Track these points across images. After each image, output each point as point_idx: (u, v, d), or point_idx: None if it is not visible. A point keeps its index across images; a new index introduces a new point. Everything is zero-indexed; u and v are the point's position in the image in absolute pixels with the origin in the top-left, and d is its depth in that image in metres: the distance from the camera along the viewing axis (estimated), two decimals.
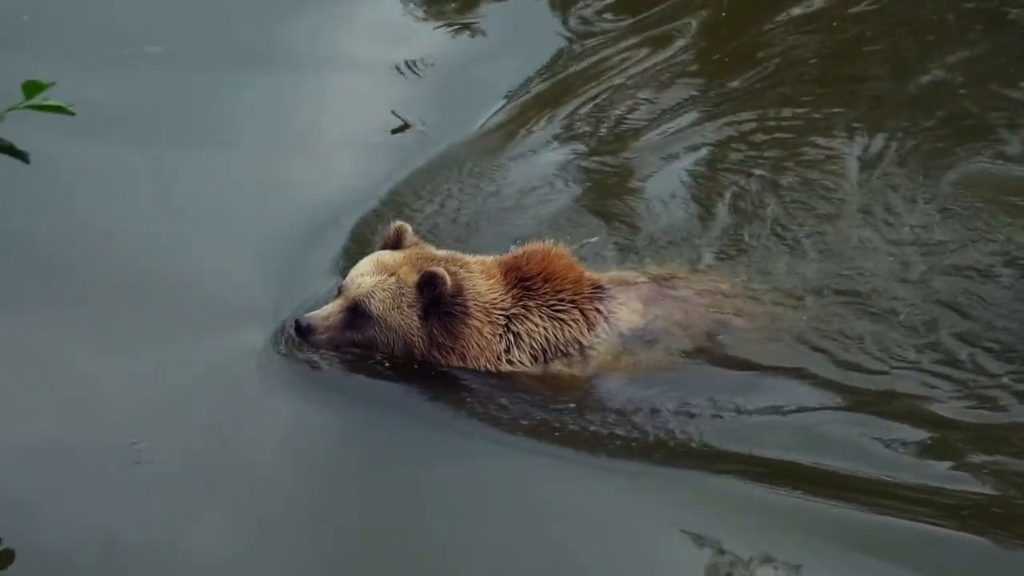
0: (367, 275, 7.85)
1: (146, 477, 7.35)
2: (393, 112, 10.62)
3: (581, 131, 10.49)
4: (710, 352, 8.06)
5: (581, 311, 7.99)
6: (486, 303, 7.91)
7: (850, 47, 11.39)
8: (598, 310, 8.02)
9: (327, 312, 7.86)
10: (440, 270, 7.75)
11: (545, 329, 7.93)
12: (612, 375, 7.96)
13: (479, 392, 7.86)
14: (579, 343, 7.96)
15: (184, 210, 9.44)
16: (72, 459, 7.41)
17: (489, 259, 8.13)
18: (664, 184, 9.75)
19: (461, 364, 7.87)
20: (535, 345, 7.93)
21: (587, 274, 8.15)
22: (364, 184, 9.72)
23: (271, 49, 11.23)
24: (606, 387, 7.91)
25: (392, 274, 7.82)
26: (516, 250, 8.22)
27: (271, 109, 10.66)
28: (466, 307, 7.84)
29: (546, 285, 7.98)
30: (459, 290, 7.83)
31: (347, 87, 11.04)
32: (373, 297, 7.79)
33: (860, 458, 7.52)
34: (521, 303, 7.95)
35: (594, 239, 9.06)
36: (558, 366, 7.96)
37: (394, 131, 10.46)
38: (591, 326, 7.97)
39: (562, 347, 7.95)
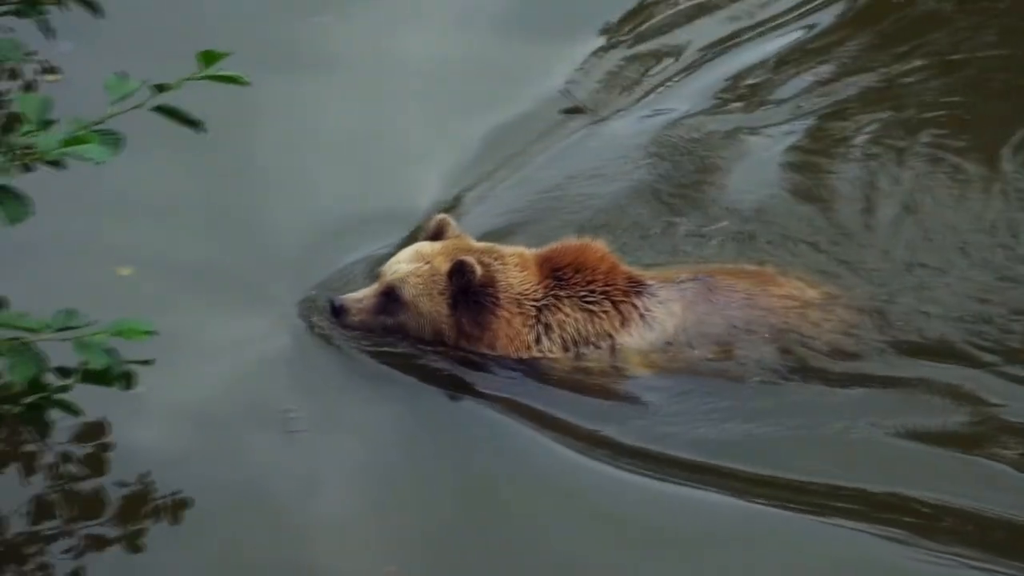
0: (403, 262, 8.00)
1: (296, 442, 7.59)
2: (565, 95, 10.57)
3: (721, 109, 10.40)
4: (749, 359, 7.97)
5: (613, 303, 8.01)
6: (517, 294, 7.99)
7: None
8: (633, 305, 8.01)
9: (361, 295, 8.04)
10: (469, 259, 7.87)
11: (576, 320, 7.99)
12: (641, 372, 7.97)
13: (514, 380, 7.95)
14: (610, 336, 7.99)
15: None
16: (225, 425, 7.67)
17: (528, 251, 8.19)
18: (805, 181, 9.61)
19: (490, 351, 7.98)
20: (565, 336, 7.98)
21: (623, 268, 8.14)
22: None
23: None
24: (631, 385, 7.94)
25: (427, 262, 7.95)
26: (554, 244, 8.24)
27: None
28: (496, 298, 7.92)
29: (577, 275, 8.02)
30: (490, 280, 7.91)
31: None
32: (406, 283, 7.92)
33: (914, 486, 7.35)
34: (552, 294, 8.00)
35: (723, 224, 9.01)
36: (588, 358, 8.00)
37: (566, 111, 10.41)
38: (624, 321, 7.99)
39: (592, 339, 8.00)
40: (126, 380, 5.54)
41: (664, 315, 7.95)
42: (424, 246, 8.06)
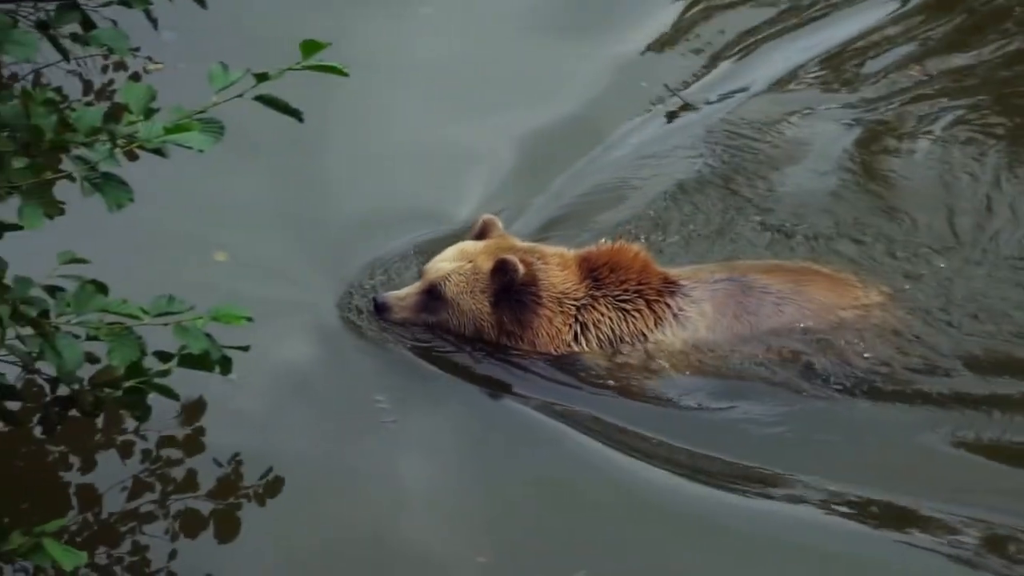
0: (447, 261, 8.10)
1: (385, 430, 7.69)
2: (666, 86, 10.57)
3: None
4: (782, 362, 8.00)
5: (647, 302, 8.06)
6: (559, 293, 8.06)
7: None
8: (667, 305, 8.06)
9: (404, 292, 8.15)
10: (512, 258, 7.95)
11: (610, 319, 8.05)
12: (676, 372, 7.99)
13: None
14: (644, 336, 8.04)
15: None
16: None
17: (568, 252, 8.24)
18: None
19: (530, 349, 8.06)
20: (601, 336, 8.04)
21: (656, 268, 8.18)
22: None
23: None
24: (666, 385, 7.97)
25: (470, 261, 8.05)
26: (592, 246, 8.30)
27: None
28: (539, 297, 8.00)
29: (612, 275, 8.09)
30: (533, 279, 7.99)
31: None
32: (448, 281, 8.02)
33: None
34: (590, 293, 8.07)
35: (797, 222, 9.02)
36: (625, 356, 8.03)
37: (681, 108, 10.44)
38: (658, 320, 8.04)
39: (627, 338, 8.05)
40: (224, 365, 5.61)
41: (696, 315, 8.00)
42: (467, 245, 8.17)
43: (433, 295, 8.04)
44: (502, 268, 7.92)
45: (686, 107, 10.35)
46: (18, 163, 5.11)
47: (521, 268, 7.92)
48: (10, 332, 5.31)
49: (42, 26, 6.04)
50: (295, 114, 5.38)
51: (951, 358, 7.97)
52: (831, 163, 9.58)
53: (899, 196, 9.27)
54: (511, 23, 11.03)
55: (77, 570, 5.73)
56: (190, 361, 5.58)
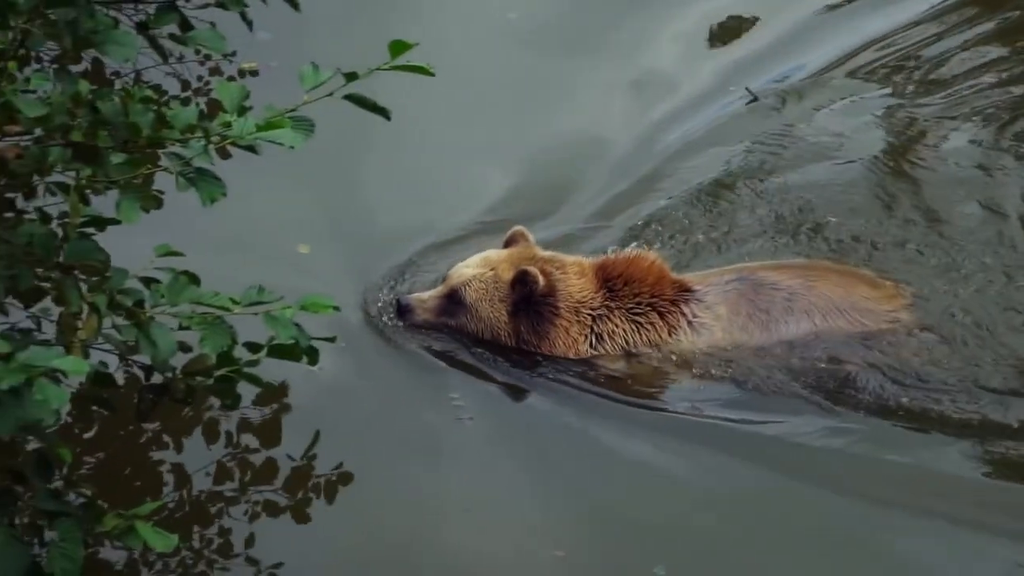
0: (470, 267, 8.22)
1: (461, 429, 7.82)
2: (747, 89, 10.61)
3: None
4: (792, 360, 8.08)
5: (659, 313, 8.13)
6: (576, 302, 8.15)
7: None
8: (681, 312, 8.12)
9: (427, 296, 8.26)
10: (533, 269, 8.04)
11: (624, 331, 8.14)
12: (691, 377, 8.09)
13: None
14: (658, 347, 8.12)
15: None
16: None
17: (586, 261, 8.31)
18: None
19: (549, 353, 8.16)
20: (615, 347, 8.14)
21: (670, 277, 8.23)
22: None
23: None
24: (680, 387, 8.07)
25: (492, 269, 8.16)
26: (608, 255, 8.38)
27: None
28: (556, 307, 8.11)
29: (626, 288, 8.17)
30: (551, 290, 8.09)
31: None
32: (469, 287, 8.15)
33: None
34: (605, 304, 8.14)
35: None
36: (644, 365, 8.12)
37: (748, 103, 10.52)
38: (671, 329, 8.12)
39: (642, 349, 8.12)
40: (311, 356, 5.76)
41: (711, 319, 8.06)
42: (491, 253, 8.30)
43: (453, 299, 8.17)
44: (522, 279, 8.04)
45: (754, 100, 10.38)
46: (116, 159, 5.25)
47: (541, 280, 8.02)
48: (107, 321, 5.48)
49: (142, 27, 6.21)
50: (383, 112, 5.48)
51: (966, 357, 8.04)
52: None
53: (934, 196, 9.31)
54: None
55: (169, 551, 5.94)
56: (279, 351, 5.72)
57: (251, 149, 5.29)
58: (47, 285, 5.54)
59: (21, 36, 4.99)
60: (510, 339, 8.15)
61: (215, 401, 7.05)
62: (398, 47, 5.31)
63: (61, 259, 5.41)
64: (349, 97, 5.42)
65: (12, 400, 4.69)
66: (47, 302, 5.78)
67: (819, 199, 9.29)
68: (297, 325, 5.60)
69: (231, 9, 6.20)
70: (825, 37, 11.16)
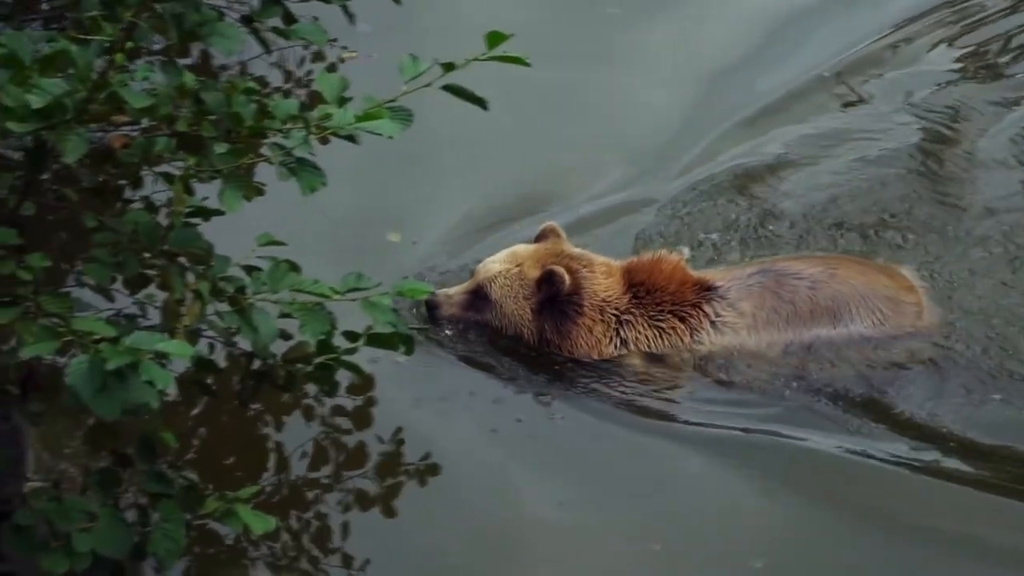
0: (497, 263, 8.13)
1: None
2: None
3: None
4: (818, 353, 8.03)
5: (681, 318, 8.05)
6: (601, 301, 8.06)
7: None
8: (704, 313, 8.05)
9: (454, 291, 8.17)
10: (559, 269, 7.95)
11: (647, 337, 8.07)
12: (713, 375, 8.05)
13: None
14: (680, 352, 8.07)
15: None
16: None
17: (614, 262, 8.23)
18: None
19: (569, 354, 8.09)
20: (638, 350, 8.08)
21: (692, 278, 8.14)
22: None
23: None
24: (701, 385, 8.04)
25: (519, 265, 8.07)
26: (633, 257, 8.31)
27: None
28: (580, 306, 8.01)
29: (648, 297, 8.10)
30: (576, 288, 8.00)
31: None
32: (495, 283, 8.06)
33: None
34: (630, 310, 8.07)
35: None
36: (665, 365, 8.09)
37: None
38: (694, 331, 8.05)
39: (666, 355, 8.07)
40: (408, 344, 5.83)
41: (735, 317, 8.00)
42: (520, 248, 8.23)
43: (479, 295, 8.09)
44: (549, 279, 7.96)
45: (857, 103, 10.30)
46: (220, 149, 5.31)
47: (567, 280, 7.94)
48: (210, 308, 5.57)
49: (246, 20, 6.32)
50: (480, 102, 5.52)
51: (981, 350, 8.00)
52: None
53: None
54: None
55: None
56: (377, 340, 5.79)
57: (350, 138, 5.34)
58: (152, 272, 5.63)
59: (128, 29, 5.07)
60: (532, 337, 8.08)
61: (313, 387, 7.12)
62: (495, 38, 5.33)
63: (166, 247, 5.51)
64: (447, 87, 5.45)
65: (118, 383, 4.79)
66: (152, 289, 5.88)
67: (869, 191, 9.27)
68: (395, 311, 5.68)
69: (333, 2, 6.31)
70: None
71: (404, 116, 5.36)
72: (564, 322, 8.02)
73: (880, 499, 7.34)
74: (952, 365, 7.95)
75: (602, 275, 8.09)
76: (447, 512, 7.24)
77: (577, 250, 8.23)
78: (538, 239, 8.27)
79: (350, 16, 6.50)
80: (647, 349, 8.06)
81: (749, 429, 7.72)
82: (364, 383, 7.57)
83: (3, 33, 4.99)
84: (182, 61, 6.31)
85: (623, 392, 7.95)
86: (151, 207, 5.74)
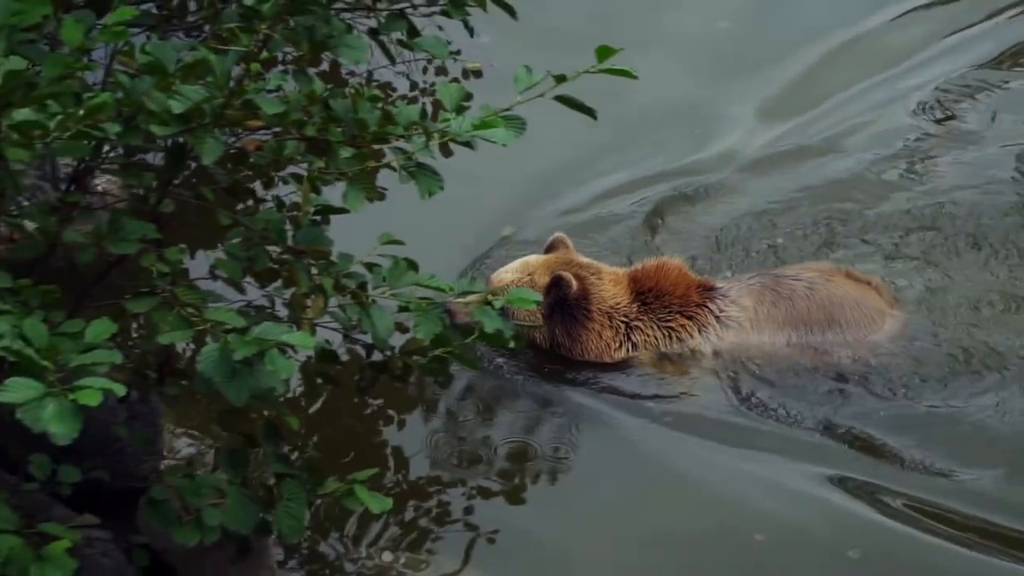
0: (509, 272, 8.14)
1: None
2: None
3: None
4: (817, 347, 8.10)
5: (688, 317, 8.12)
6: (609, 308, 8.11)
7: None
8: (709, 310, 8.12)
9: (468, 300, 7.93)
10: (566, 274, 8.00)
11: (657, 339, 8.12)
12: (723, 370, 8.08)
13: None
14: (691, 349, 8.11)
15: None
16: None
17: (621, 270, 8.28)
18: None
19: (580, 358, 8.12)
20: (648, 352, 8.12)
21: (695, 280, 8.23)
22: None
23: None
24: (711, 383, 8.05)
25: (529, 274, 8.08)
26: (637, 264, 8.34)
27: None
28: (589, 311, 8.04)
29: (656, 301, 8.15)
30: (584, 294, 8.03)
31: None
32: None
33: None
34: (639, 316, 8.11)
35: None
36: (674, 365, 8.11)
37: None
38: (701, 328, 8.11)
39: (676, 354, 8.11)
40: (518, 342, 5.95)
41: (738, 312, 8.06)
42: (531, 258, 8.26)
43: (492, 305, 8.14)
44: (556, 283, 7.99)
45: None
46: (345, 153, 5.44)
47: (574, 284, 7.99)
48: (333, 301, 5.72)
49: (373, 32, 6.48)
50: (590, 112, 5.63)
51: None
52: None
53: None
54: None
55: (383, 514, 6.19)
56: (488, 337, 5.93)
57: (467, 145, 5.44)
58: (280, 267, 5.75)
59: (263, 40, 5.23)
60: (545, 342, 8.12)
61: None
62: (604, 52, 5.40)
63: (293, 243, 5.66)
64: (559, 98, 5.55)
65: (246, 370, 4.91)
66: (280, 283, 5.98)
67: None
68: (503, 315, 5.85)
69: (454, 17, 6.44)
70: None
71: (518, 124, 5.47)
72: (574, 327, 8.09)
73: None
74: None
75: (610, 283, 8.18)
76: (559, 502, 7.38)
77: (586, 259, 8.31)
78: (548, 250, 8.32)
79: (470, 30, 6.64)
80: (657, 350, 8.13)
81: (829, 424, 7.79)
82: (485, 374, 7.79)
83: (149, 43, 5.14)
84: (312, 70, 6.46)
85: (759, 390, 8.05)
86: (280, 206, 5.89)
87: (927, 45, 10.79)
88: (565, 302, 8.11)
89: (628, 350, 8.15)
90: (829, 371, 8.00)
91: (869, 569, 7.02)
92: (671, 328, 8.14)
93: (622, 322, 8.16)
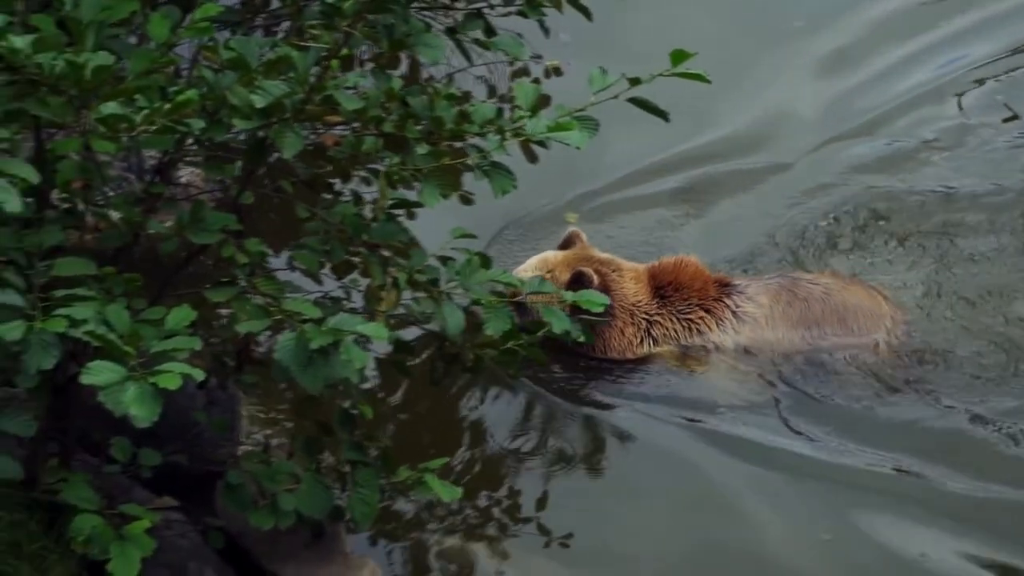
0: (529, 270, 8.03)
1: None
2: None
3: None
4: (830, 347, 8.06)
5: (707, 310, 8.08)
6: (631, 304, 8.06)
7: None
8: (726, 305, 8.08)
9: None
10: (588, 269, 7.91)
11: (676, 331, 8.06)
12: (738, 363, 8.06)
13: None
14: (711, 342, 8.07)
15: None
16: None
17: (640, 265, 8.21)
18: None
19: (601, 356, 8.06)
20: (668, 346, 8.07)
21: (714, 276, 8.21)
22: None
23: None
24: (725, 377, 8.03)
25: (550, 271, 7.98)
26: (655, 260, 8.30)
27: None
28: (611, 308, 7.83)
29: (676, 294, 8.10)
30: (606, 290, 7.84)
31: None
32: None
33: None
34: (658, 311, 8.04)
35: None
36: (697, 359, 8.09)
37: None
38: (719, 321, 8.06)
39: (696, 346, 8.07)
40: (587, 336, 5.96)
41: (753, 308, 8.02)
42: (549, 255, 8.20)
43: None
44: (578, 279, 7.85)
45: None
46: (421, 150, 5.46)
47: (596, 279, 7.88)
48: (407, 294, 5.75)
49: (451, 32, 6.50)
50: (662, 115, 5.63)
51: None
52: None
53: None
54: None
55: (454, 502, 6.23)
56: (556, 335, 5.97)
57: (541, 144, 5.46)
58: (356, 260, 5.79)
59: (344, 37, 5.26)
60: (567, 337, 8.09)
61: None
62: (678, 56, 5.38)
63: (368, 238, 5.70)
64: (632, 100, 5.53)
65: (321, 360, 4.96)
66: (355, 275, 6.03)
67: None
68: (568, 315, 5.89)
69: (531, 17, 6.44)
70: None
71: (591, 125, 5.46)
72: (596, 324, 7.95)
73: None
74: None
75: (631, 279, 8.14)
76: (647, 500, 7.41)
77: (605, 255, 8.27)
78: (564, 246, 8.27)
79: (546, 31, 6.64)
80: (677, 343, 8.09)
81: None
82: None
83: (233, 39, 5.20)
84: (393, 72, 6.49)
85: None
86: (358, 200, 5.93)
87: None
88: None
89: (649, 345, 8.12)
90: (839, 371, 7.99)
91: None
92: (690, 321, 8.12)
93: (644, 319, 8.14)
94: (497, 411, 7.74)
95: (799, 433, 7.70)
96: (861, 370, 7.97)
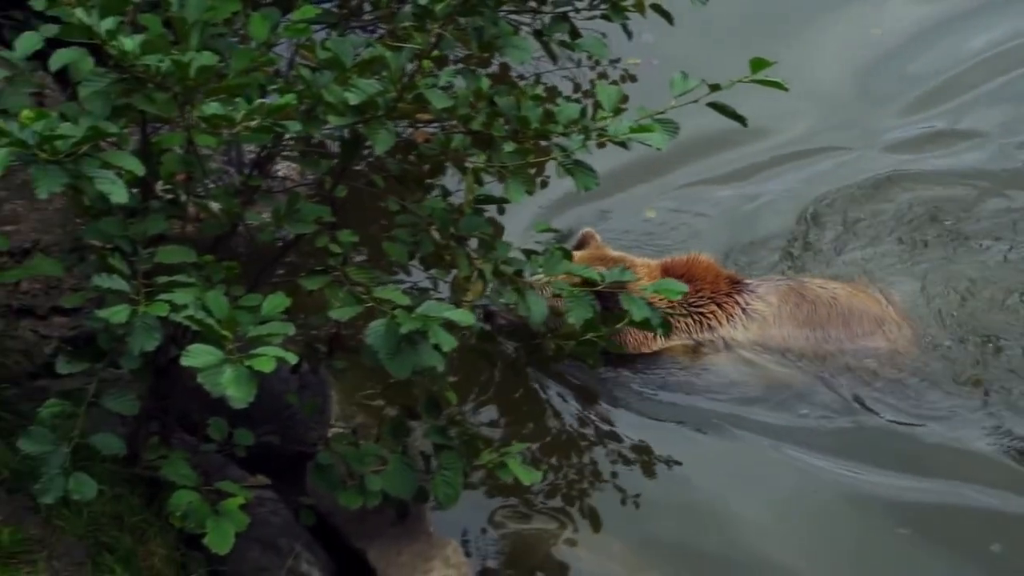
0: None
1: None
2: None
3: None
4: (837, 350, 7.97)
5: (718, 304, 8.03)
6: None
7: None
8: (736, 302, 8.04)
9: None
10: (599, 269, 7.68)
11: (688, 324, 8.01)
12: (749, 358, 7.97)
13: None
14: (720, 337, 8.01)
15: None
16: None
17: (652, 261, 8.12)
18: None
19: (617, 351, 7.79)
20: (681, 341, 8.01)
21: (725, 273, 8.16)
22: None
23: None
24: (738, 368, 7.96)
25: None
26: (667, 257, 8.24)
27: None
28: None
29: (689, 287, 7.72)
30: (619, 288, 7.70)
31: None
32: (544, 291, 7.60)
33: None
34: (670, 305, 7.82)
35: None
36: (707, 353, 8.02)
37: None
38: (729, 316, 8.01)
39: (707, 340, 8.01)
40: (665, 328, 5.98)
41: (763, 306, 7.97)
42: None
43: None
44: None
45: None
46: (507, 147, 5.52)
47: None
48: (492, 285, 5.81)
49: (537, 34, 6.54)
50: (740, 119, 5.62)
51: None
52: None
53: None
54: None
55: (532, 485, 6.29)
56: (635, 324, 5.98)
57: (623, 145, 5.47)
58: (444, 252, 5.85)
59: (436, 39, 5.33)
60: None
61: None
62: (758, 64, 5.36)
63: (456, 231, 5.79)
64: (712, 104, 5.53)
65: (409, 348, 5.02)
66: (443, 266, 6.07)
67: None
68: (650, 304, 5.86)
69: (614, 20, 6.48)
70: None
71: (671, 128, 5.46)
72: (609, 319, 7.97)
73: None
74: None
75: (645, 277, 7.91)
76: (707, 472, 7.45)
77: (618, 253, 8.20)
78: (578, 246, 8.18)
79: (629, 34, 6.66)
80: (689, 336, 8.06)
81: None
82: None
83: (329, 39, 5.28)
84: (483, 71, 6.55)
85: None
86: (446, 195, 6.00)
87: None
88: (600, 296, 8.11)
89: (662, 340, 8.02)
90: (840, 372, 7.93)
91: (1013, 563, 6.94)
92: (702, 315, 8.09)
93: None
94: (572, 400, 7.78)
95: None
96: (863, 373, 7.89)
